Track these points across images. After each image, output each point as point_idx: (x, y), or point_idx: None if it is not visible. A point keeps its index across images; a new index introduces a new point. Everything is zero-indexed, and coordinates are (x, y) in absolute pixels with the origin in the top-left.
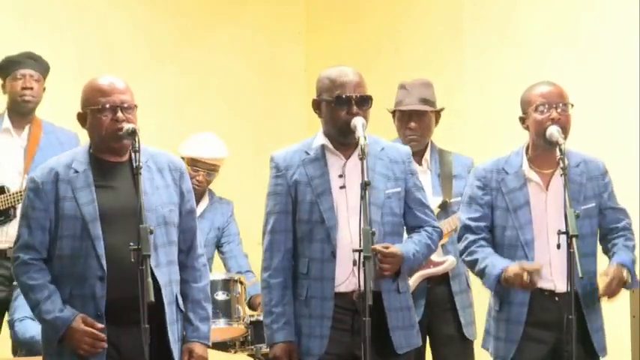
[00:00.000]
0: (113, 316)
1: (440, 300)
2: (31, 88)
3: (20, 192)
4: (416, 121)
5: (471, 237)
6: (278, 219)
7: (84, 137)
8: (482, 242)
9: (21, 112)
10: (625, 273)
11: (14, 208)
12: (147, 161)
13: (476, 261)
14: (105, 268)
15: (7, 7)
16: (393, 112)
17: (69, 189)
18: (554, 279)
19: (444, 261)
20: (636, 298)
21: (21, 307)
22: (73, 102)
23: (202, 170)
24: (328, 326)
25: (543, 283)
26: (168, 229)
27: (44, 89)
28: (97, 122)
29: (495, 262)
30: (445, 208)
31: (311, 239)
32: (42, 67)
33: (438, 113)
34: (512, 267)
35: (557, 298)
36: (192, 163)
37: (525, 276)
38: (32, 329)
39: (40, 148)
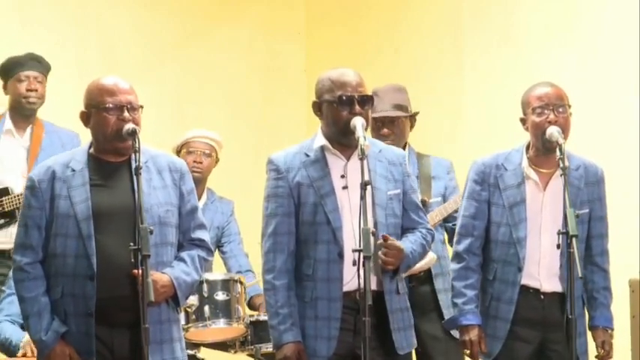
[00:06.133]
0: (105, 316)
1: (424, 299)
2: (36, 90)
3: None
4: (389, 127)
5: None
6: (281, 221)
7: (85, 137)
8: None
9: (24, 114)
10: (609, 335)
11: (19, 209)
12: (146, 162)
13: (462, 287)
14: (95, 267)
15: (7, 8)
16: None
17: (64, 187)
18: (541, 278)
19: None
20: (636, 298)
21: (5, 309)
22: (73, 102)
23: (197, 150)
24: (336, 327)
25: (529, 281)
26: (162, 229)
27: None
28: (102, 121)
29: (470, 311)
30: (424, 207)
31: (316, 240)
32: (44, 68)
33: (412, 118)
34: (473, 332)
35: (542, 297)
36: (186, 146)
37: (469, 351)
38: (8, 331)
39: (42, 148)
